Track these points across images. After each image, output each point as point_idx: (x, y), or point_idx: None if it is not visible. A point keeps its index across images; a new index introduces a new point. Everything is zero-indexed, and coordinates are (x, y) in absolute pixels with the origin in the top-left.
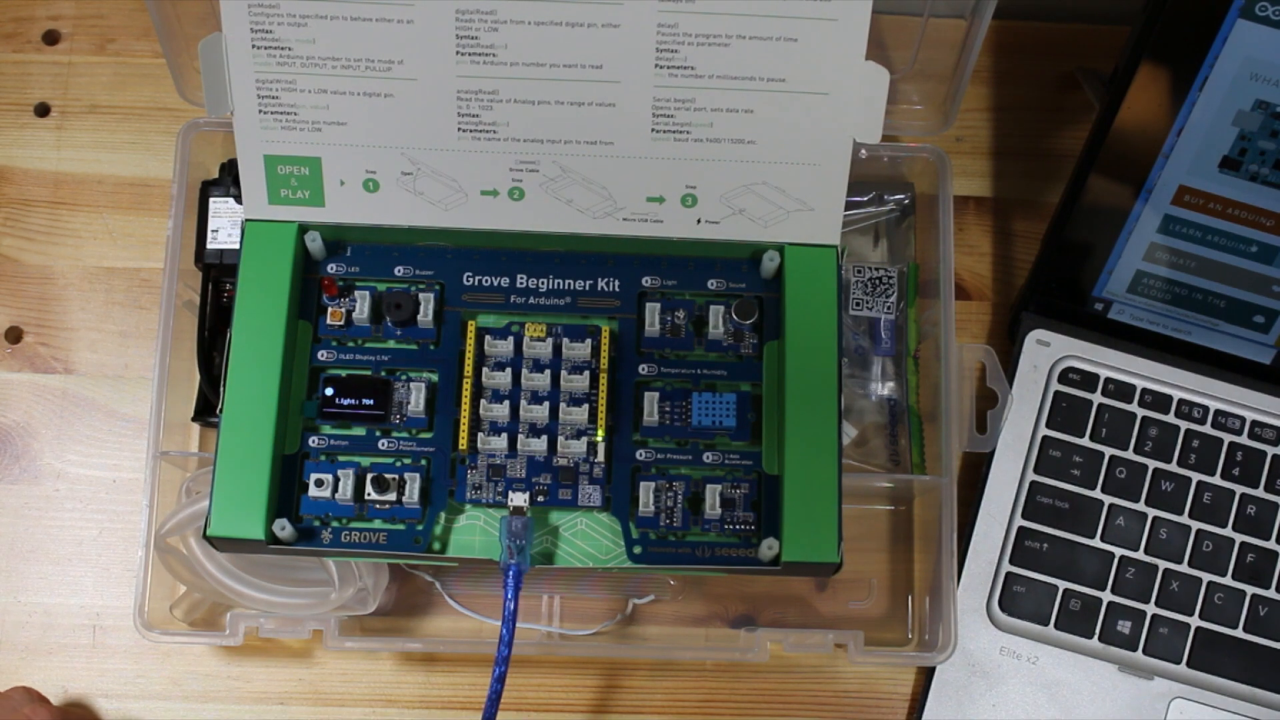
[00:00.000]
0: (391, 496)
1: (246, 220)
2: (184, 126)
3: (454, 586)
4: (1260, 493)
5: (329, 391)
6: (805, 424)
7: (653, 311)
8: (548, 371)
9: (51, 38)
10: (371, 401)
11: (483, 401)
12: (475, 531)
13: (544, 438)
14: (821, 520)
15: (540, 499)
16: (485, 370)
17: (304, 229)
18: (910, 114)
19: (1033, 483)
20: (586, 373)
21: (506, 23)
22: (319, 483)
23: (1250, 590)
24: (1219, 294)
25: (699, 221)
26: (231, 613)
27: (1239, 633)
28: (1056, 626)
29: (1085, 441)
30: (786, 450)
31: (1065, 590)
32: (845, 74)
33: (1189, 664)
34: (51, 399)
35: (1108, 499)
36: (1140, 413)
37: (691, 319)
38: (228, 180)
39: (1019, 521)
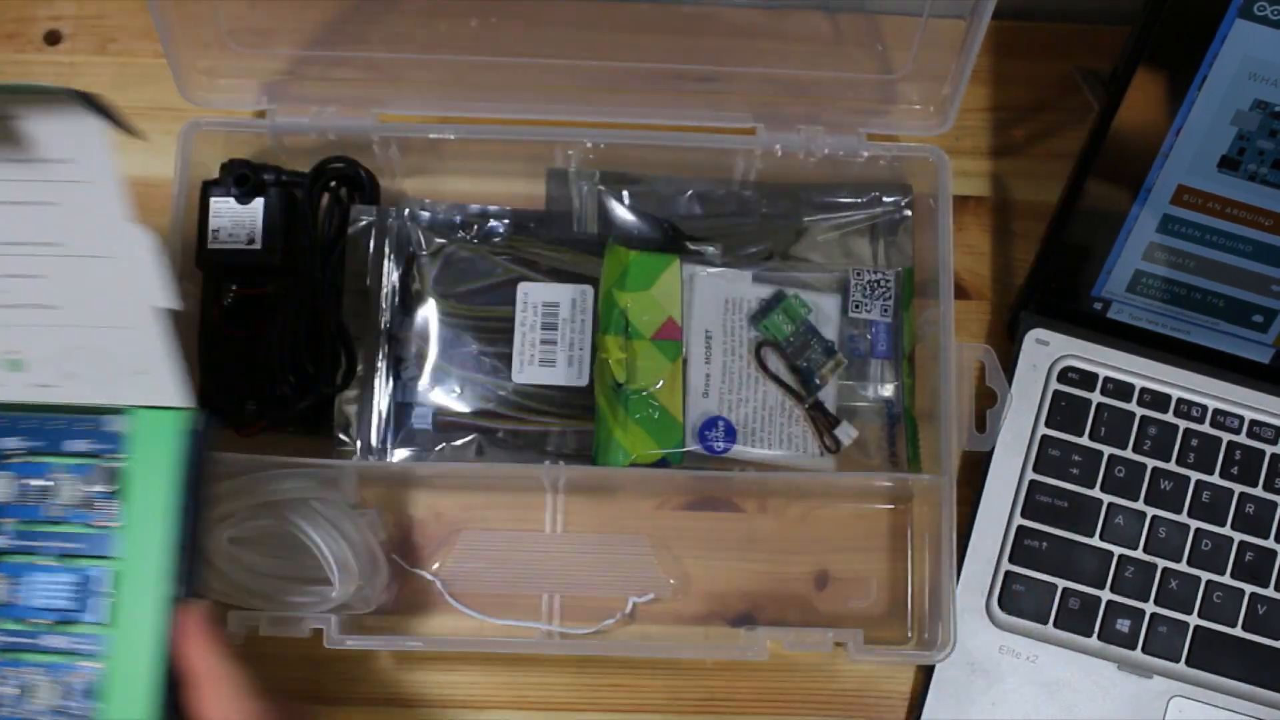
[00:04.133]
0: None
1: None
2: (185, 126)
3: (454, 585)
4: (1259, 491)
5: None
6: (136, 598)
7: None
8: None
9: (53, 38)
10: None
11: None
12: None
13: None
14: (134, 696)
15: None
16: None
17: None
18: (910, 114)
19: (1032, 482)
20: None
21: None
22: None
23: (1249, 589)
24: (1218, 293)
25: (33, 386)
26: (231, 611)
27: (1238, 631)
28: (1056, 625)
29: (1084, 440)
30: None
31: (1064, 589)
32: (113, 236)
33: (1188, 662)
34: None
35: (1107, 498)
36: (1139, 412)
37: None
38: (228, 180)
39: (1018, 520)
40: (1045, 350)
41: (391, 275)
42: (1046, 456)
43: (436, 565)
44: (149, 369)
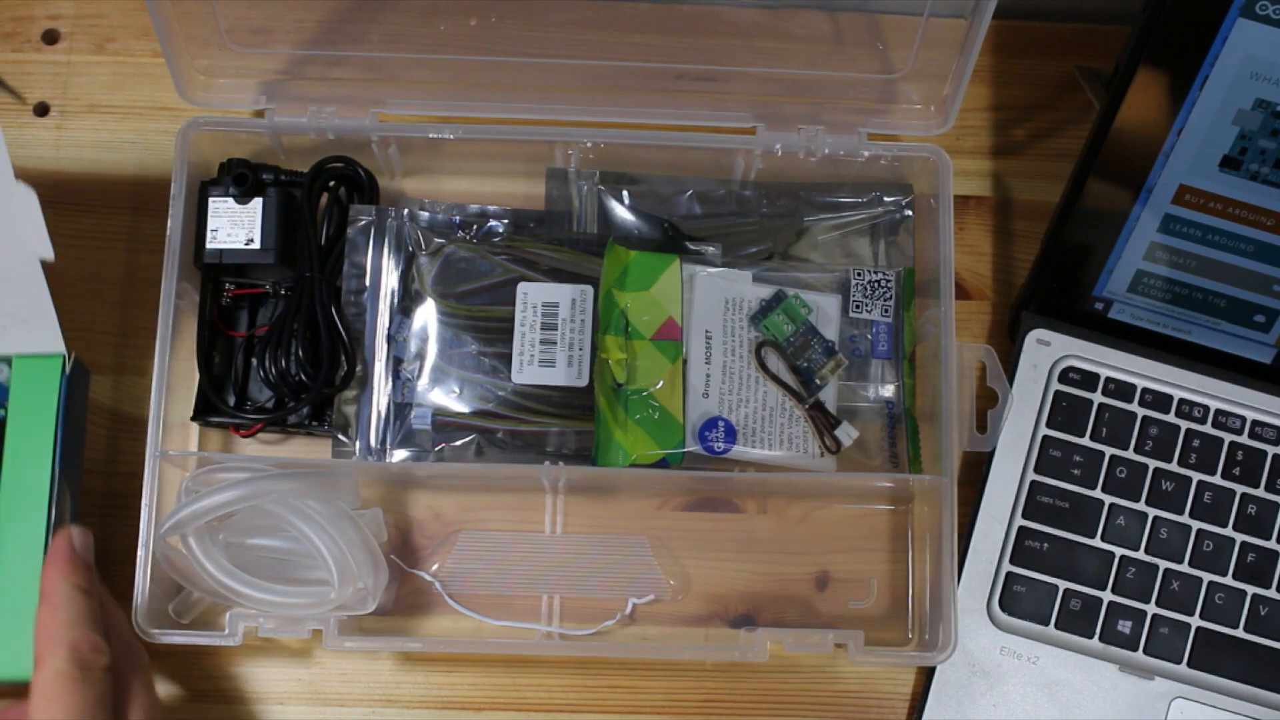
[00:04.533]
0: None
1: None
2: (184, 126)
3: (453, 586)
4: (1261, 492)
5: None
6: (18, 532)
7: None
8: None
9: (51, 37)
10: None
11: None
12: None
13: None
14: (16, 634)
15: None
16: None
17: None
18: (910, 114)
19: (1033, 482)
20: None
21: None
22: None
23: (1251, 590)
24: (1219, 293)
25: None
26: (231, 612)
27: (1240, 632)
28: (1057, 626)
29: (1085, 441)
30: None
31: (1065, 590)
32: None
33: (1189, 664)
34: None
35: (1108, 498)
36: (1140, 412)
37: None
38: (227, 180)
39: (1019, 521)
40: (1046, 350)
41: (391, 275)
42: (1048, 457)
43: (436, 566)
44: (30, 318)
